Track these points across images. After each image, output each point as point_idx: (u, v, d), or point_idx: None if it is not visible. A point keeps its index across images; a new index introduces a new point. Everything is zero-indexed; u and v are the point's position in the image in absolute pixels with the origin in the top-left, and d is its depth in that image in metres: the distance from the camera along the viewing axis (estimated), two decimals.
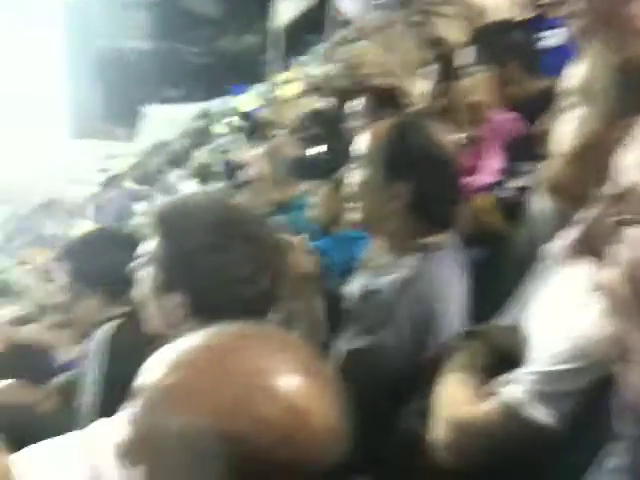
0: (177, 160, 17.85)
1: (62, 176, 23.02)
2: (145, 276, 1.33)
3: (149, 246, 1.33)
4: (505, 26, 3.33)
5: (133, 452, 0.77)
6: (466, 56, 3.13)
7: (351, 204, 1.86)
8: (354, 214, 1.86)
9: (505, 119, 3.05)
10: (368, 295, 1.81)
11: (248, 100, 12.65)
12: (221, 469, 0.71)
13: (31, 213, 23.11)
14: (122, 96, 22.78)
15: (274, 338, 0.82)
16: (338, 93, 3.79)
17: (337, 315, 1.92)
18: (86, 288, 1.88)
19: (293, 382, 0.76)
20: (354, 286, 1.94)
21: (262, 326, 0.84)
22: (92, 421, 1.65)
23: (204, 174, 9.78)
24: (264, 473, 0.73)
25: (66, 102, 24.26)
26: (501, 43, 3.16)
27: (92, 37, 24.25)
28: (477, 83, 3.05)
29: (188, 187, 9.47)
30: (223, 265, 1.25)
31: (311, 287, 1.90)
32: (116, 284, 1.78)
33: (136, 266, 1.37)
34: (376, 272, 1.86)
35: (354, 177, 1.83)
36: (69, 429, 1.82)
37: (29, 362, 2.80)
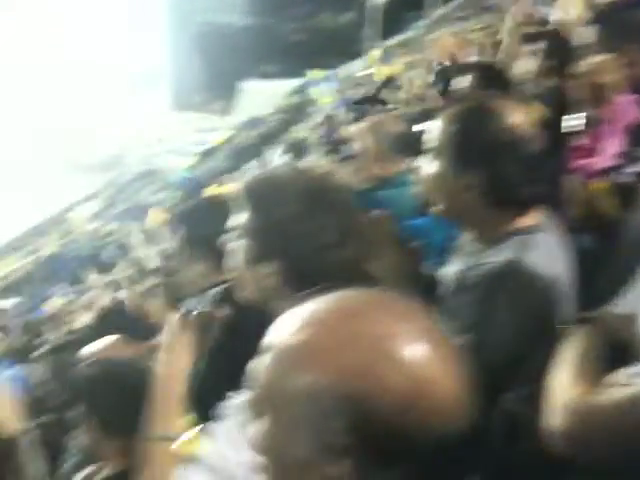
0: (271, 135, 18.20)
1: (160, 147, 23.90)
2: (238, 247, 1.36)
3: (240, 218, 1.35)
4: (629, 5, 3.15)
5: (258, 404, 0.79)
6: (586, 35, 2.98)
7: (431, 195, 1.79)
8: (436, 205, 1.79)
9: (628, 102, 2.89)
10: (463, 287, 1.76)
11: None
12: (340, 429, 0.71)
13: (130, 181, 24.17)
14: (220, 71, 23.28)
15: (402, 305, 0.81)
16: (443, 72, 3.70)
17: (432, 299, 1.87)
18: (195, 253, 1.93)
19: (419, 350, 0.75)
20: (451, 270, 1.89)
21: (388, 293, 0.83)
22: (194, 381, 1.71)
23: (298, 149, 9.90)
24: (382, 437, 0.73)
25: (167, 75, 25.02)
26: (625, 23, 3.00)
27: (193, 12, 24.85)
28: (602, 63, 2.90)
29: (282, 161, 9.60)
30: (312, 232, 1.26)
31: (392, 253, 1.85)
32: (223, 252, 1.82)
33: (228, 238, 1.40)
34: (471, 260, 1.80)
35: (429, 167, 1.75)
36: None
37: (128, 323, 2.92)
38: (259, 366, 0.80)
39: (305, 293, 0.86)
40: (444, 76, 3.23)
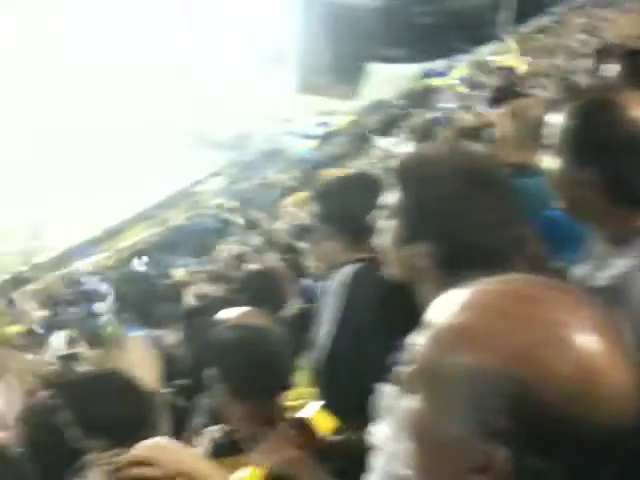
0: (394, 120, 18.04)
1: (285, 127, 24.37)
2: (388, 226, 1.34)
3: (391, 197, 1.33)
4: None
5: (414, 381, 0.79)
6: None
7: (554, 190, 1.70)
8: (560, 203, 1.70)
9: None
10: (591, 288, 1.66)
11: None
12: (500, 411, 0.70)
13: (254, 160, 24.83)
14: (346, 53, 23.27)
15: (571, 293, 0.78)
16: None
17: None
18: (331, 230, 1.95)
19: (591, 340, 0.73)
20: (582, 269, 1.80)
21: (555, 280, 0.80)
22: (322, 352, 1.73)
23: (421, 135, 9.77)
24: (544, 424, 0.71)
25: (294, 57, 25.34)
26: None
27: None
28: None
29: (404, 147, 9.51)
30: (468, 213, 1.22)
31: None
32: (360, 230, 1.83)
33: (378, 216, 1.38)
34: (598, 260, 1.70)
35: (551, 162, 1.66)
36: (293, 355, 1.94)
37: (261, 293, 2.98)
38: (416, 343, 0.79)
39: (464, 276, 0.84)
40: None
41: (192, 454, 1.41)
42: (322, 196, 2.05)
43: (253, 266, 3.74)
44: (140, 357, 2.02)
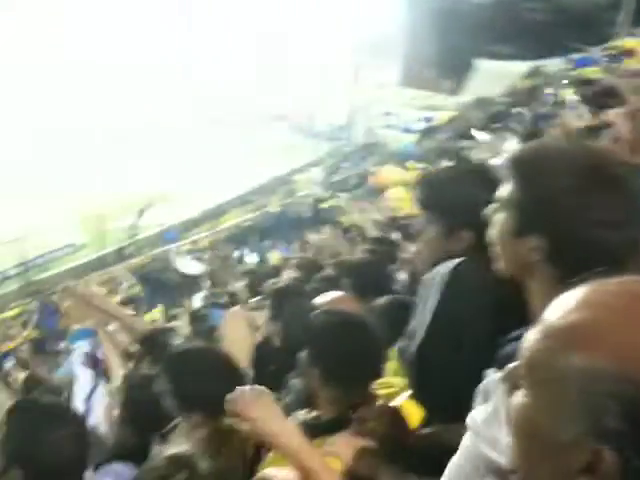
0: (497, 117, 17.56)
1: (385, 120, 24.27)
2: (500, 219, 1.30)
3: (504, 190, 1.29)
4: None
5: (523, 378, 0.78)
6: None
7: None
8: None
9: None
10: None
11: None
12: (614, 413, 0.69)
13: (353, 152, 24.89)
14: (452, 48, 22.87)
15: None
16: None
17: None
18: (433, 220, 1.91)
19: None
20: None
21: None
22: (416, 343, 1.71)
23: (528, 132, 9.48)
24: None
25: (398, 49, 25.14)
26: None
27: None
28: None
29: (508, 145, 9.26)
30: (586, 209, 1.16)
31: None
32: (466, 222, 1.79)
33: (491, 209, 1.35)
34: None
35: None
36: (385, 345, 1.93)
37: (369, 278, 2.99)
38: (528, 340, 0.78)
39: (574, 274, 0.81)
40: None
41: (286, 423, 1.44)
42: (431, 185, 2.01)
43: (354, 256, 3.76)
44: (237, 332, 2.07)
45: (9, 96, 24.45)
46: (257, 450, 1.43)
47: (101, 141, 23.09)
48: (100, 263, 13.72)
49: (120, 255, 15.06)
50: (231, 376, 1.95)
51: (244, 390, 1.46)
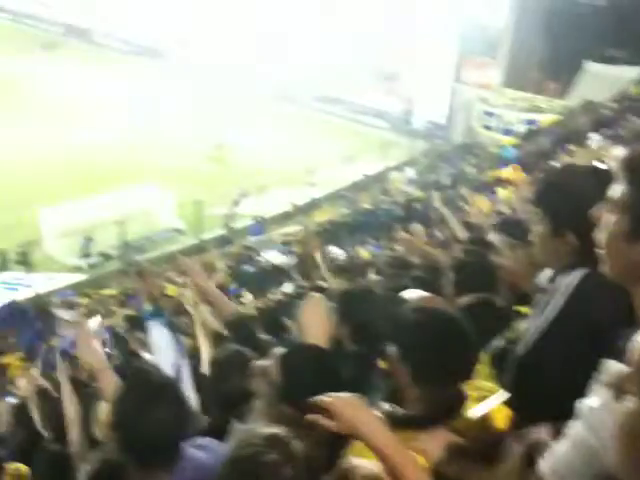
0: (604, 123, 16.74)
1: (486, 121, 23.66)
2: (610, 221, 1.25)
3: (616, 192, 1.24)
4: None
5: (632, 384, 0.75)
6: None
7: None
8: None
9: None
10: None
11: None
12: None
13: (449, 152, 24.45)
14: (562, 50, 22.01)
15: None
16: None
17: None
18: (556, 228, 1.84)
19: None
20: None
21: None
22: (527, 348, 1.65)
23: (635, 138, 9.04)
24: None
25: (504, 49, 24.39)
26: None
27: None
28: None
29: (615, 151, 8.85)
30: None
31: None
32: (571, 224, 1.73)
33: (601, 210, 1.29)
34: None
35: None
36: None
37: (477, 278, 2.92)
38: (637, 347, 0.75)
39: None
40: None
41: (375, 420, 1.43)
42: (546, 183, 1.96)
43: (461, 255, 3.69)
44: (314, 317, 2.07)
45: None
46: (340, 435, 1.43)
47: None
48: (197, 249, 14.15)
49: (216, 242, 15.49)
50: (326, 373, 1.87)
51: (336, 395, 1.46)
